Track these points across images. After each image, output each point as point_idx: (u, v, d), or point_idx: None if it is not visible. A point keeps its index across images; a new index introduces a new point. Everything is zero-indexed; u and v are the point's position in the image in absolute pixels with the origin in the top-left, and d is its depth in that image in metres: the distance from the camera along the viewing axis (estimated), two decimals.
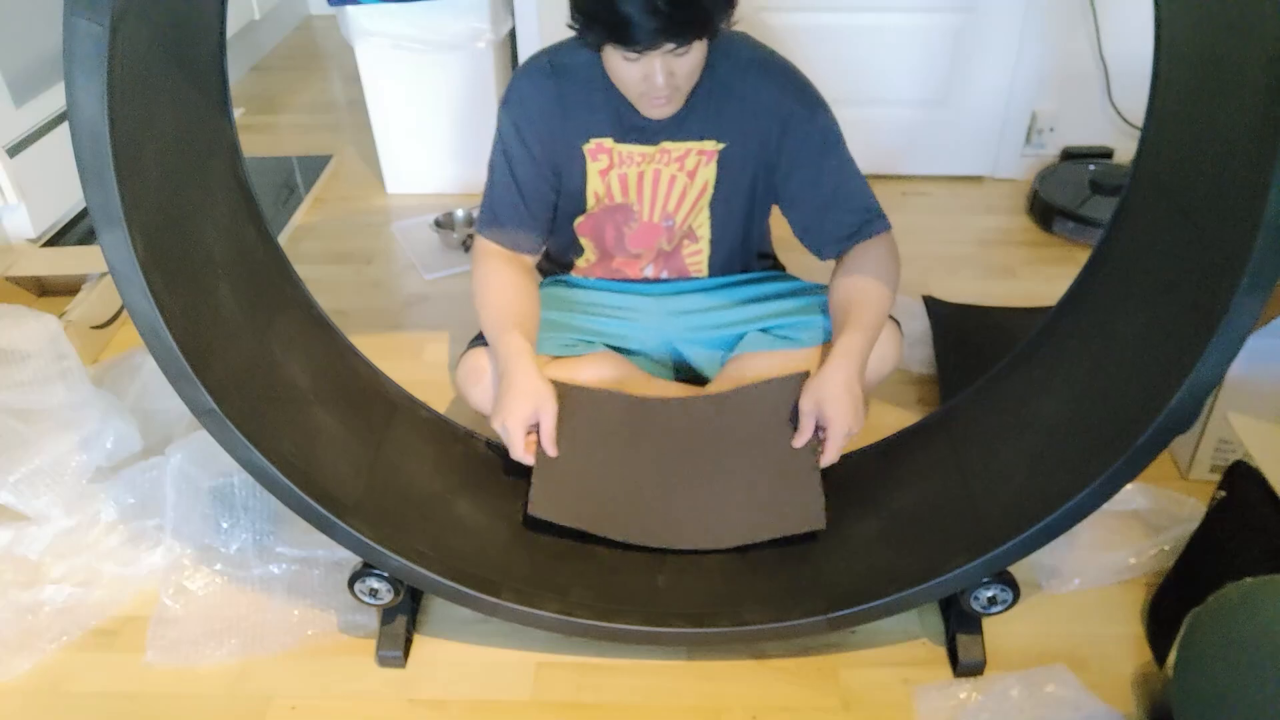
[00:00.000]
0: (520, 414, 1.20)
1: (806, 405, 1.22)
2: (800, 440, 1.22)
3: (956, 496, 1.17)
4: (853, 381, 1.21)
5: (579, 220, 1.40)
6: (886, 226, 1.32)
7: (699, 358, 1.48)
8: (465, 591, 1.11)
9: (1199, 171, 0.98)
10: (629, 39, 1.09)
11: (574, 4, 1.12)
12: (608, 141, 1.30)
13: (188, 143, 1.02)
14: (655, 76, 1.15)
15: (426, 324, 1.89)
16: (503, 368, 1.25)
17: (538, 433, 1.23)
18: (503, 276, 1.32)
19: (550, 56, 1.28)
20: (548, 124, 1.28)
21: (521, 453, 1.21)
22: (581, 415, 1.28)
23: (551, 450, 1.22)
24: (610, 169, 1.32)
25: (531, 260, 1.39)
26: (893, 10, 2.16)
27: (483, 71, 2.19)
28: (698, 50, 1.14)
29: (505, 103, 1.31)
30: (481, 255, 1.35)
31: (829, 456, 1.20)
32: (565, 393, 1.28)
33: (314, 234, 2.23)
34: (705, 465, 1.26)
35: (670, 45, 1.10)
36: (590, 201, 1.36)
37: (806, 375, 1.28)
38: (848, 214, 1.31)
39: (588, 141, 1.30)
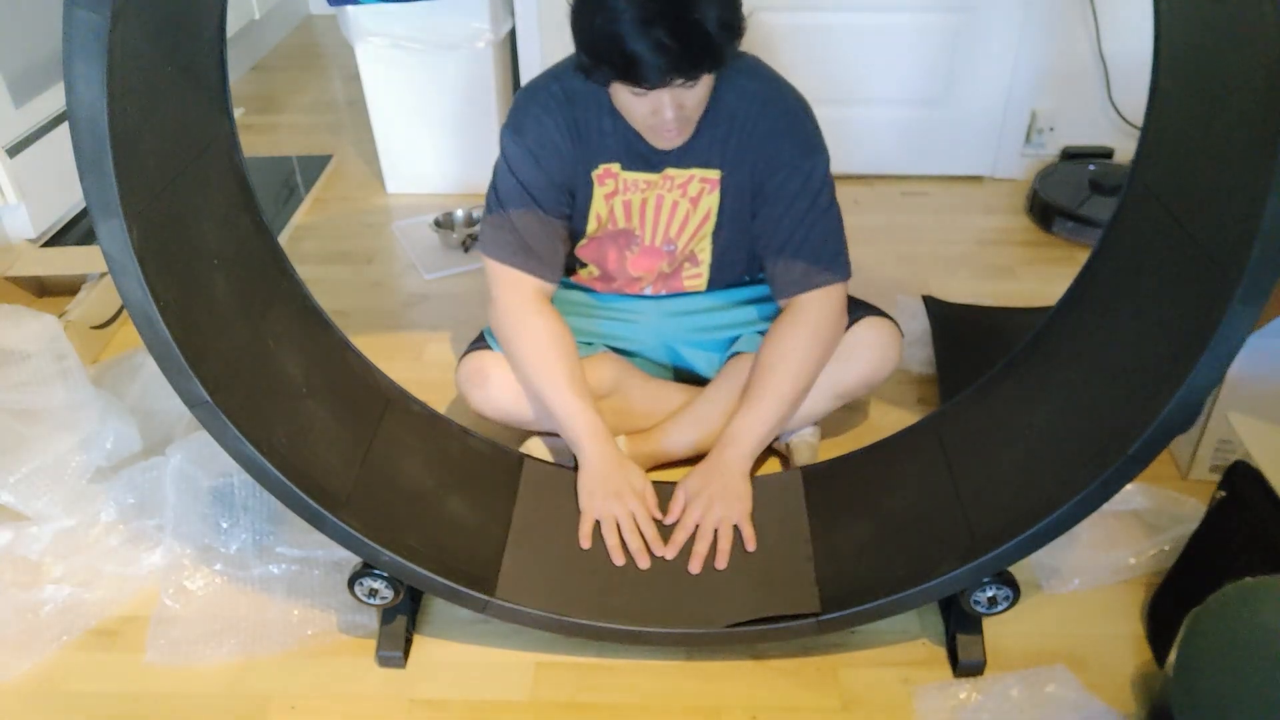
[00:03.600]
0: (644, 495, 1.23)
1: (679, 494, 1.25)
2: (682, 543, 1.21)
3: (947, 501, 1.16)
4: (728, 468, 1.24)
5: (582, 244, 1.40)
6: (836, 279, 1.30)
7: (697, 359, 1.48)
8: (456, 588, 1.11)
9: (1196, 180, 0.97)
10: (638, 78, 1.08)
11: (580, 44, 1.11)
12: (615, 167, 1.29)
13: (185, 134, 1.02)
14: (665, 111, 1.14)
15: (426, 324, 1.89)
16: (586, 443, 1.25)
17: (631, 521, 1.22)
18: (549, 328, 1.29)
19: (560, 83, 1.26)
20: (562, 150, 1.27)
21: (648, 532, 1.21)
22: (555, 494, 1.27)
23: (661, 549, 1.21)
24: (615, 194, 1.32)
25: (553, 291, 1.35)
26: (892, 10, 2.16)
27: (483, 71, 2.19)
28: (706, 81, 1.13)
29: (518, 130, 1.27)
30: (516, 302, 1.30)
31: (721, 546, 1.19)
32: (538, 471, 1.27)
33: (314, 234, 2.23)
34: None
35: (679, 80, 1.09)
36: (591, 225, 1.35)
37: (800, 472, 1.30)
38: (800, 259, 1.29)
39: (596, 167, 1.29)
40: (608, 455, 1.25)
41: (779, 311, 1.36)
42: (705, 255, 1.41)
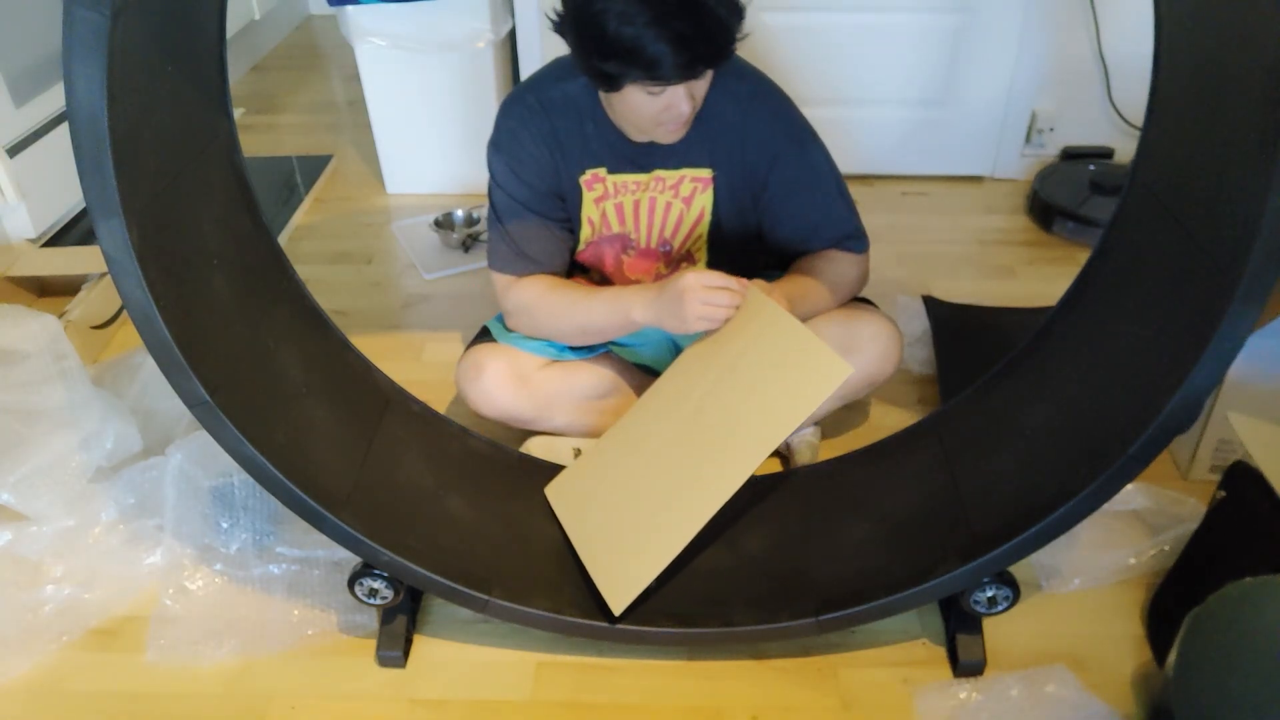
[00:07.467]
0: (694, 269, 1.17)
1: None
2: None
3: (947, 501, 1.17)
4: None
5: (580, 250, 1.40)
6: (861, 248, 1.33)
7: None
8: (456, 588, 1.11)
9: (1196, 180, 0.97)
10: (662, 75, 1.08)
11: (590, 51, 1.08)
12: (602, 172, 1.30)
13: (185, 134, 1.02)
14: (681, 105, 1.13)
15: (426, 324, 1.89)
16: (624, 300, 1.25)
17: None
18: (540, 280, 1.33)
19: (535, 94, 1.26)
20: (543, 159, 1.28)
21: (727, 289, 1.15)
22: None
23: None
24: (605, 198, 1.32)
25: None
26: (892, 10, 2.16)
27: (483, 71, 2.19)
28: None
29: (496, 145, 1.29)
30: (521, 283, 1.33)
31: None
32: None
33: (314, 234, 2.23)
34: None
35: (702, 71, 1.10)
36: (585, 230, 1.36)
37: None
38: (824, 239, 1.33)
39: (583, 173, 1.30)
40: (646, 290, 1.23)
41: None
42: (702, 256, 1.41)
